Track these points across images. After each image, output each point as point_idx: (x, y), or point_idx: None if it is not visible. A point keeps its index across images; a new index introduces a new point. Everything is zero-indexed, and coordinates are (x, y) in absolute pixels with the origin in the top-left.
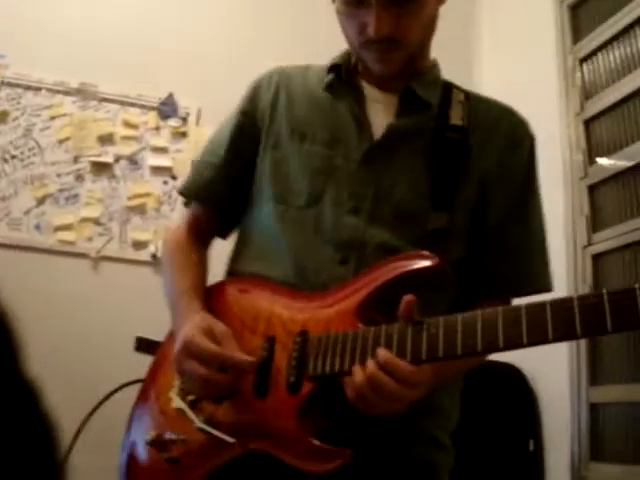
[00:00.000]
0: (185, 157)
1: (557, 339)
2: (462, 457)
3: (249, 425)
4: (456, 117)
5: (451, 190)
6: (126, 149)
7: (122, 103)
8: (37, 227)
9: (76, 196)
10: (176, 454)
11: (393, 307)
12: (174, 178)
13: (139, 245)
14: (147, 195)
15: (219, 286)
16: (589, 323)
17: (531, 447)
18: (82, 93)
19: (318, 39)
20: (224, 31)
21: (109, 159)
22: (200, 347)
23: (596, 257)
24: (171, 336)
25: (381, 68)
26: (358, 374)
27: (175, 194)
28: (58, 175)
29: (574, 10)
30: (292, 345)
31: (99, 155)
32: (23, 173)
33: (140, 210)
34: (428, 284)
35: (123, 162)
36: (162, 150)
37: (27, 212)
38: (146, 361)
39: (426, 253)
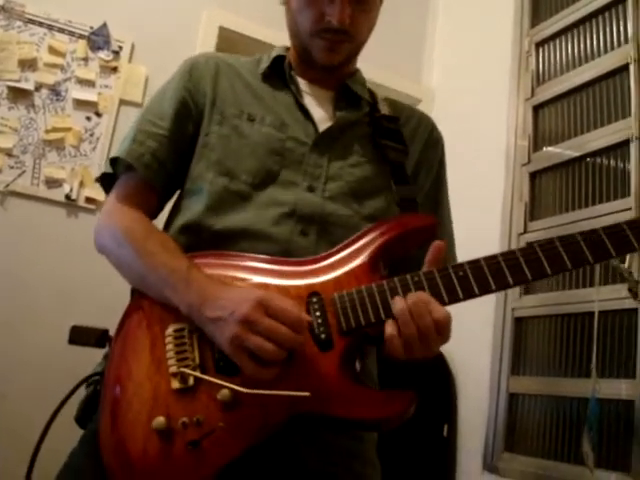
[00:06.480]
0: (113, 94)
1: (575, 267)
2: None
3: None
4: (385, 111)
5: (403, 167)
6: (49, 77)
7: (50, 27)
8: None
9: None
10: (195, 437)
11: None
12: (98, 115)
13: (53, 183)
14: (67, 130)
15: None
16: (597, 252)
17: (445, 432)
18: (7, 11)
19: None
20: None
21: (29, 86)
22: (281, 306)
23: None
24: (138, 315)
25: (329, 57)
26: (399, 302)
27: (99, 131)
28: None
29: None
30: (306, 307)
31: (19, 80)
32: None
33: (58, 145)
34: (422, 240)
35: (44, 91)
36: (88, 83)
37: None
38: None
39: (420, 214)
